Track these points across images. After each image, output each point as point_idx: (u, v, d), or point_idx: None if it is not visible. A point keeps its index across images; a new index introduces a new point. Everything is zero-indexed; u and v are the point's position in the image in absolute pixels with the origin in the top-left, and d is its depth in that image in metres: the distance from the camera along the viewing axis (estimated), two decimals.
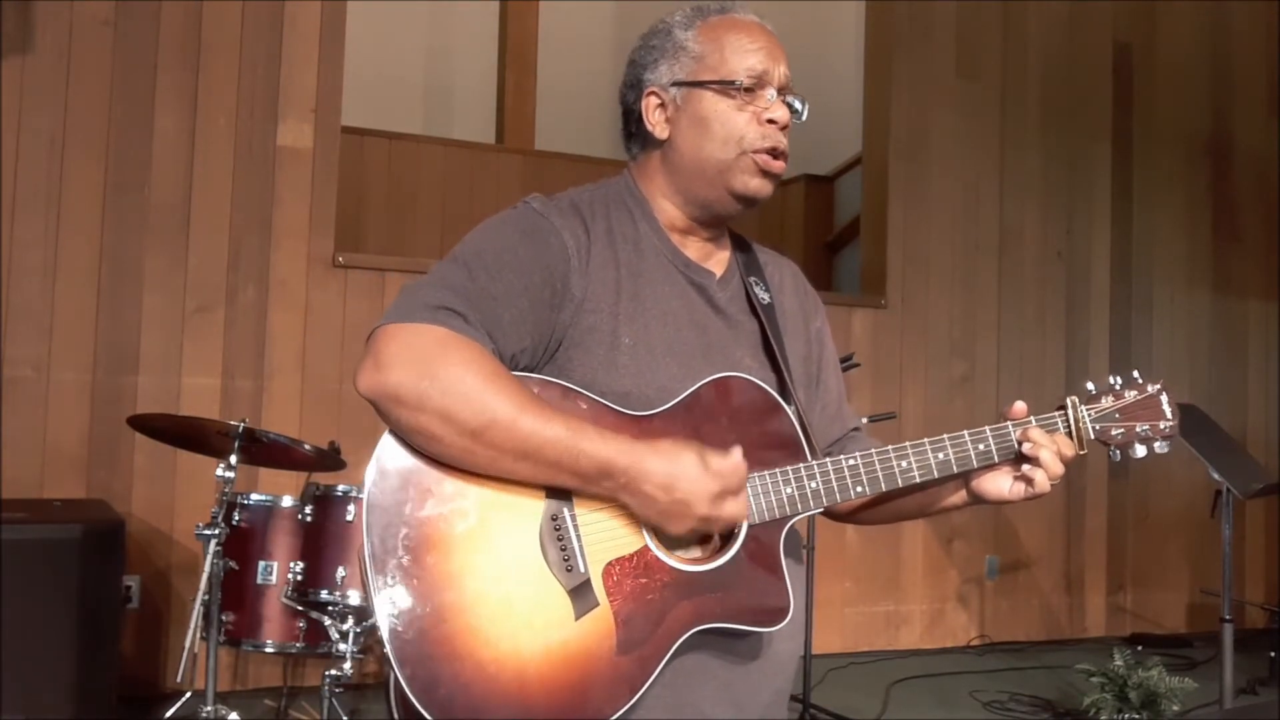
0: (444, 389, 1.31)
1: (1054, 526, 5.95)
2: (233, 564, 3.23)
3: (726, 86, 1.50)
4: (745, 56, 1.51)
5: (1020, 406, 1.53)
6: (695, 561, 1.41)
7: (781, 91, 1.53)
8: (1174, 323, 6.40)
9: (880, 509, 1.65)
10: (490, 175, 6.60)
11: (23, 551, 3.10)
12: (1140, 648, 4.85)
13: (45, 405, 4.07)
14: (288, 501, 3.37)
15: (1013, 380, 5.80)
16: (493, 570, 1.34)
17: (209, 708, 3.14)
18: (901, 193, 5.73)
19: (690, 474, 1.34)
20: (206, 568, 3.09)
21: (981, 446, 1.50)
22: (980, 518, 5.74)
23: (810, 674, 4.10)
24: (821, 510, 1.52)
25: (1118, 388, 1.56)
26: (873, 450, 1.49)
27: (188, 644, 2.97)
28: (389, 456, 1.36)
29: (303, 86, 4.49)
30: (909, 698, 4.69)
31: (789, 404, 1.51)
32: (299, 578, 3.26)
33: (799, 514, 1.46)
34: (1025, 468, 1.49)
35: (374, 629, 3.20)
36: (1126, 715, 3.93)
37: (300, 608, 3.26)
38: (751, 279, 1.62)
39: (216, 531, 3.10)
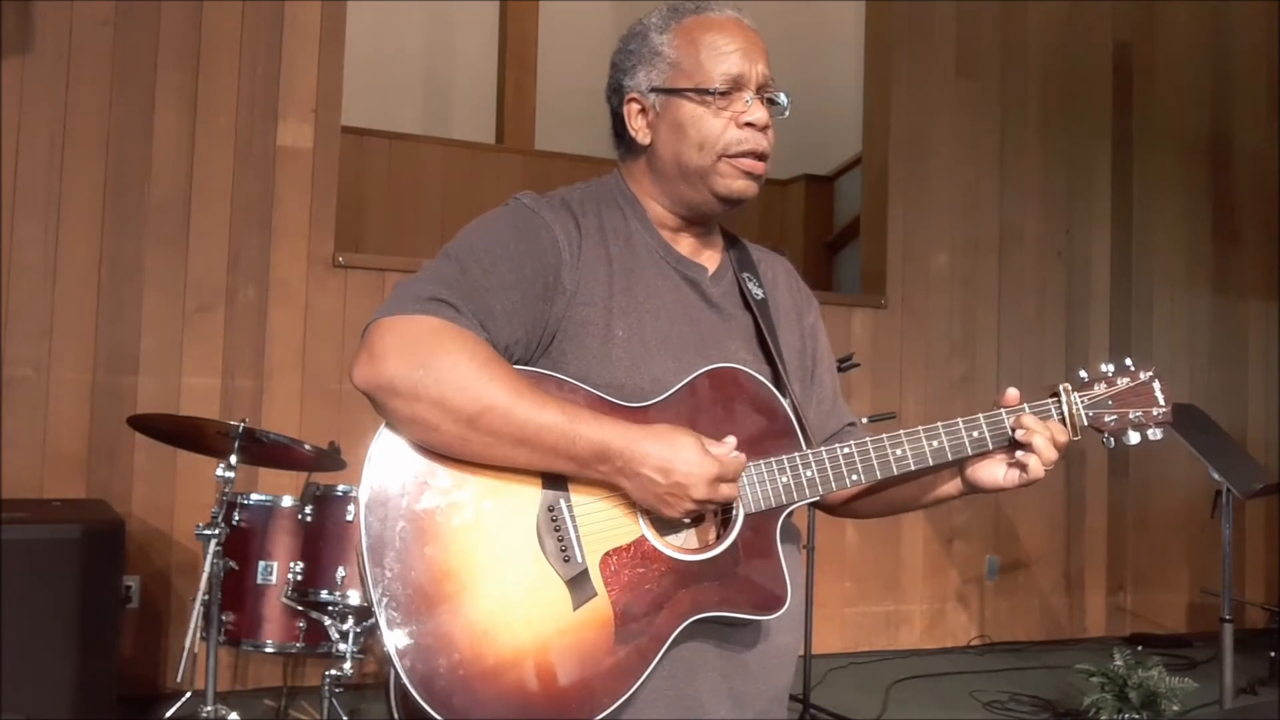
0: (438, 377, 1.32)
1: (1054, 526, 5.95)
2: (233, 564, 3.23)
3: (702, 94, 1.50)
4: (720, 60, 1.50)
5: (1013, 393, 1.53)
6: (692, 551, 1.41)
7: (761, 90, 1.52)
8: (1174, 322, 6.40)
9: (875, 499, 1.65)
10: (490, 175, 6.59)
11: (23, 551, 3.10)
12: (1140, 648, 4.85)
13: (45, 405, 4.07)
14: (288, 501, 3.37)
15: (1013, 380, 5.73)
16: (490, 562, 1.35)
17: (209, 708, 3.13)
18: (901, 193, 5.73)
19: (688, 457, 1.35)
20: (206, 568, 3.08)
21: (975, 434, 1.51)
22: (980, 518, 5.74)
23: (810, 674, 4.10)
24: (817, 499, 1.52)
25: (1110, 375, 1.56)
26: (868, 439, 1.50)
27: (188, 644, 2.97)
28: (385, 451, 1.36)
29: (303, 86, 4.50)
30: (909, 698, 4.69)
31: (784, 395, 1.52)
32: (299, 578, 3.25)
33: (795, 503, 1.47)
34: (1019, 454, 1.49)
35: (374, 629, 3.23)
36: (1126, 715, 3.93)
37: (300, 608, 3.26)
38: (744, 274, 1.63)
39: (216, 531, 3.10)
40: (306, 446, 3.23)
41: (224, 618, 3.23)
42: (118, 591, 3.38)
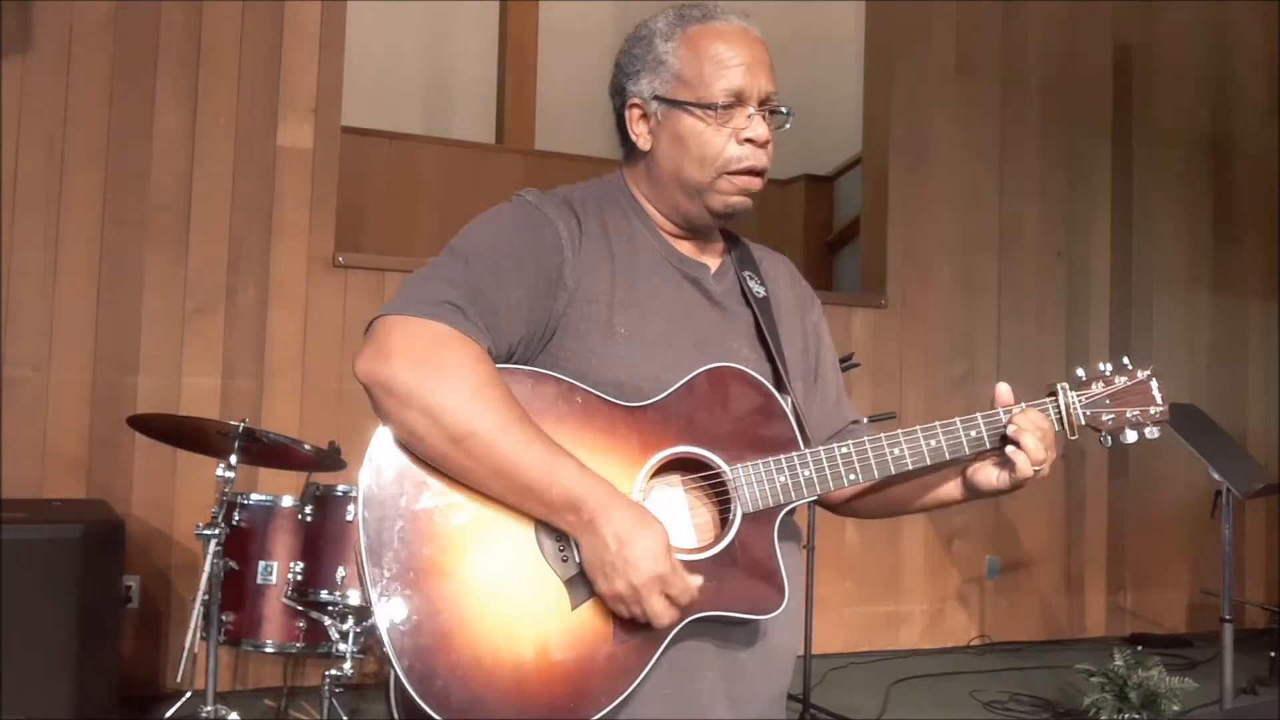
0: (433, 389, 1.32)
1: (1054, 526, 5.95)
2: (233, 564, 3.23)
3: (705, 110, 1.50)
4: (723, 74, 1.50)
5: (1003, 389, 1.53)
6: (690, 550, 1.41)
7: (763, 105, 1.52)
8: (1174, 322, 6.40)
9: (876, 499, 1.65)
10: (490, 175, 6.59)
11: (23, 551, 3.10)
12: (1140, 648, 4.84)
13: (45, 405, 4.07)
14: (288, 501, 3.37)
15: (1013, 380, 5.71)
16: (488, 562, 1.35)
17: (209, 708, 3.14)
18: (901, 193, 5.73)
19: (649, 543, 1.33)
20: (206, 568, 3.08)
21: (973, 433, 1.51)
22: (980, 518, 5.74)
23: (810, 674, 4.10)
24: (815, 499, 1.52)
25: (1108, 374, 1.57)
26: (866, 439, 1.50)
27: (188, 644, 2.97)
28: (384, 451, 1.37)
29: (303, 86, 4.50)
30: (909, 698, 4.69)
31: (784, 394, 1.52)
32: (299, 578, 3.25)
33: (793, 502, 1.47)
34: (1009, 450, 1.49)
35: (373, 628, 3.22)
36: (1126, 715, 3.93)
37: (300, 608, 3.26)
38: (746, 273, 1.63)
39: (216, 531, 3.10)
40: (306, 446, 3.23)
41: (224, 618, 3.24)
42: (118, 591, 3.38)
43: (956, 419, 1.51)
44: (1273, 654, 4.94)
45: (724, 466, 1.44)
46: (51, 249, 4.12)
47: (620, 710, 1.36)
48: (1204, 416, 4.24)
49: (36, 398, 4.06)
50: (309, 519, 3.30)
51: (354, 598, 3.20)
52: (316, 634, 3.29)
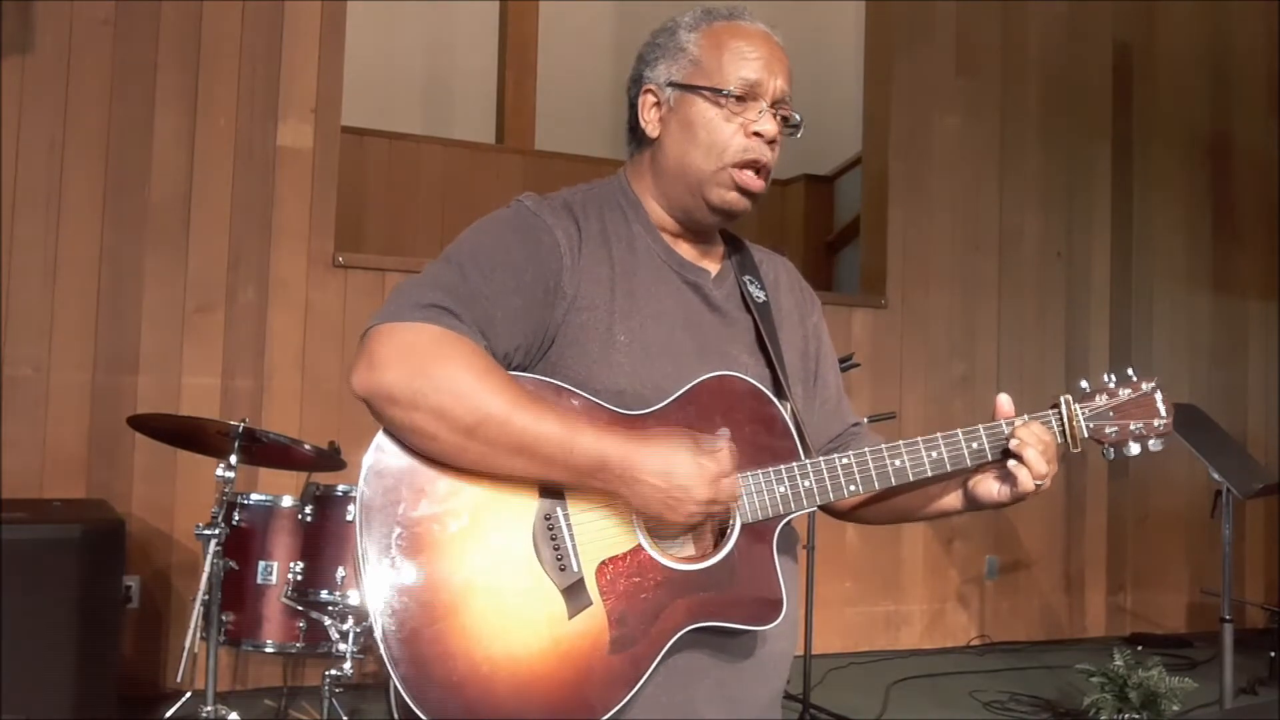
0: (437, 386, 1.32)
1: (1054, 526, 5.95)
2: (233, 564, 3.23)
3: (716, 94, 1.50)
4: (741, 65, 1.51)
5: (1004, 400, 1.53)
6: (688, 560, 1.41)
7: (776, 105, 1.52)
8: (1174, 323, 6.40)
9: (880, 508, 1.65)
10: (490, 175, 6.59)
11: (23, 551, 3.10)
12: (1140, 648, 4.84)
13: (45, 405, 4.07)
14: (288, 501, 3.37)
15: (1013, 380, 5.80)
16: (486, 570, 1.35)
17: (209, 708, 3.14)
18: (901, 193, 5.73)
19: (684, 459, 1.35)
20: (206, 568, 3.08)
21: (975, 445, 1.51)
22: (980, 517, 5.74)
23: (810, 674, 4.10)
24: (815, 509, 1.52)
25: (1112, 386, 1.56)
26: (866, 449, 1.49)
27: (188, 644, 2.97)
28: (383, 457, 1.36)
29: (303, 86, 4.49)
30: (909, 698, 4.69)
31: (784, 402, 1.52)
32: (299, 578, 3.25)
33: (792, 513, 1.46)
34: (1010, 463, 1.49)
35: (373, 630, 3.22)
36: (1126, 715, 3.93)
37: (300, 608, 3.26)
38: (746, 277, 1.62)
39: (216, 531, 3.10)
40: (306, 446, 3.23)
41: (224, 618, 3.24)
42: (118, 591, 3.38)
43: (958, 430, 1.51)
44: (1273, 654, 4.94)
45: None
46: (51, 249, 4.12)
47: (617, 718, 1.36)
48: (1204, 416, 4.25)
49: (36, 398, 4.06)
50: (309, 519, 3.30)
51: (354, 598, 3.20)
52: (316, 634, 3.28)
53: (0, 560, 3.04)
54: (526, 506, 1.37)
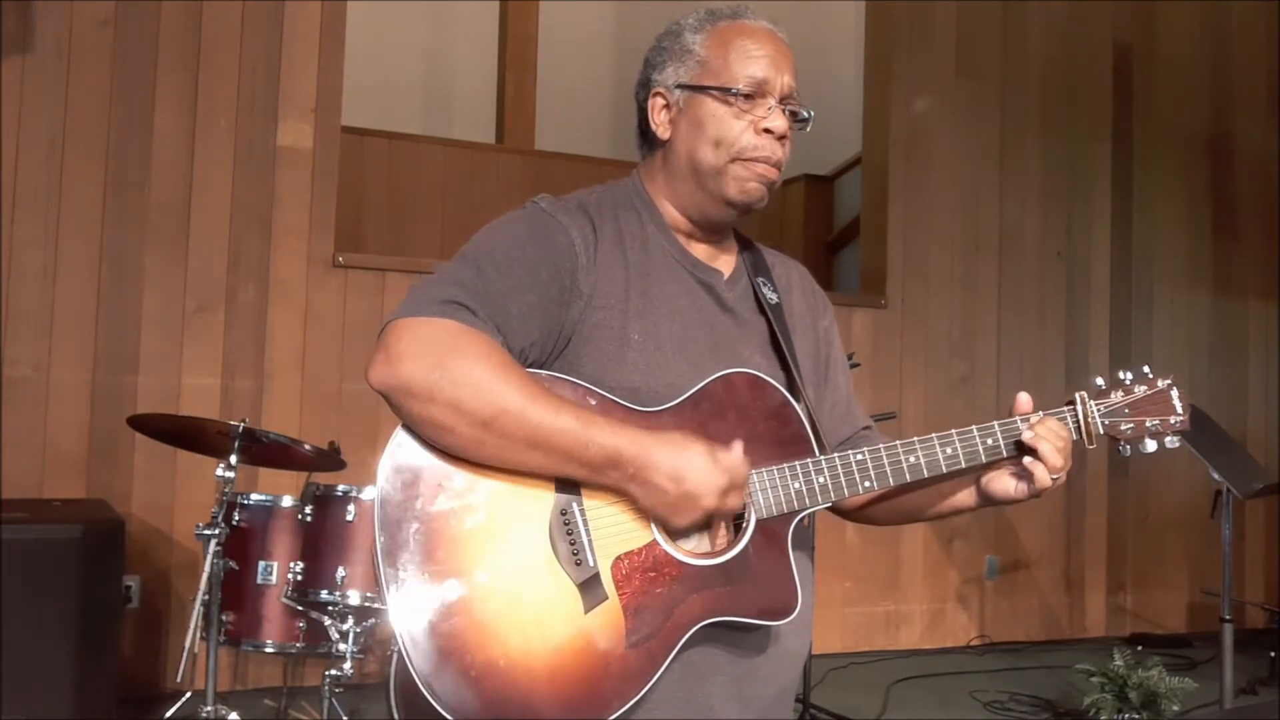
0: (454, 380, 1.32)
1: (1054, 526, 5.95)
2: (233, 564, 3.23)
3: (725, 93, 1.51)
4: (748, 64, 1.52)
5: (1024, 398, 1.53)
6: (703, 556, 1.42)
7: (785, 101, 1.53)
8: (1174, 322, 6.40)
9: (889, 507, 1.65)
10: (490, 175, 6.59)
11: (23, 551, 3.10)
12: (1140, 648, 4.84)
13: (45, 405, 4.07)
14: (288, 501, 3.37)
15: (1013, 380, 5.79)
16: (502, 564, 1.35)
17: (209, 708, 3.14)
18: (901, 193, 5.73)
19: (698, 465, 1.35)
20: (206, 568, 3.08)
21: (990, 441, 1.51)
22: (980, 517, 5.74)
23: (810, 674, 4.10)
24: (829, 506, 1.52)
25: (1127, 382, 1.57)
26: (881, 446, 1.50)
27: (188, 644, 2.97)
28: (401, 452, 1.37)
29: (303, 86, 4.49)
30: (909, 698, 4.69)
31: (797, 400, 1.52)
32: (299, 578, 3.25)
33: (806, 509, 1.47)
34: (1026, 460, 1.49)
35: (374, 629, 3.22)
36: (1126, 715, 3.93)
37: (300, 608, 3.26)
38: (759, 279, 1.63)
39: (216, 531, 3.10)
40: (306, 446, 3.23)
41: (224, 618, 3.23)
42: (118, 591, 3.38)
43: (973, 427, 1.51)
44: (1273, 654, 4.95)
45: None
46: (51, 249, 4.12)
47: (632, 713, 1.36)
48: (1204, 416, 4.24)
49: (36, 398, 4.05)
50: (309, 519, 3.30)
51: (354, 598, 3.20)
52: (316, 634, 3.28)
53: (0, 560, 3.04)
54: (543, 501, 1.38)
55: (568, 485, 1.39)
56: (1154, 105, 6.43)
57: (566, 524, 1.38)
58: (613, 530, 1.39)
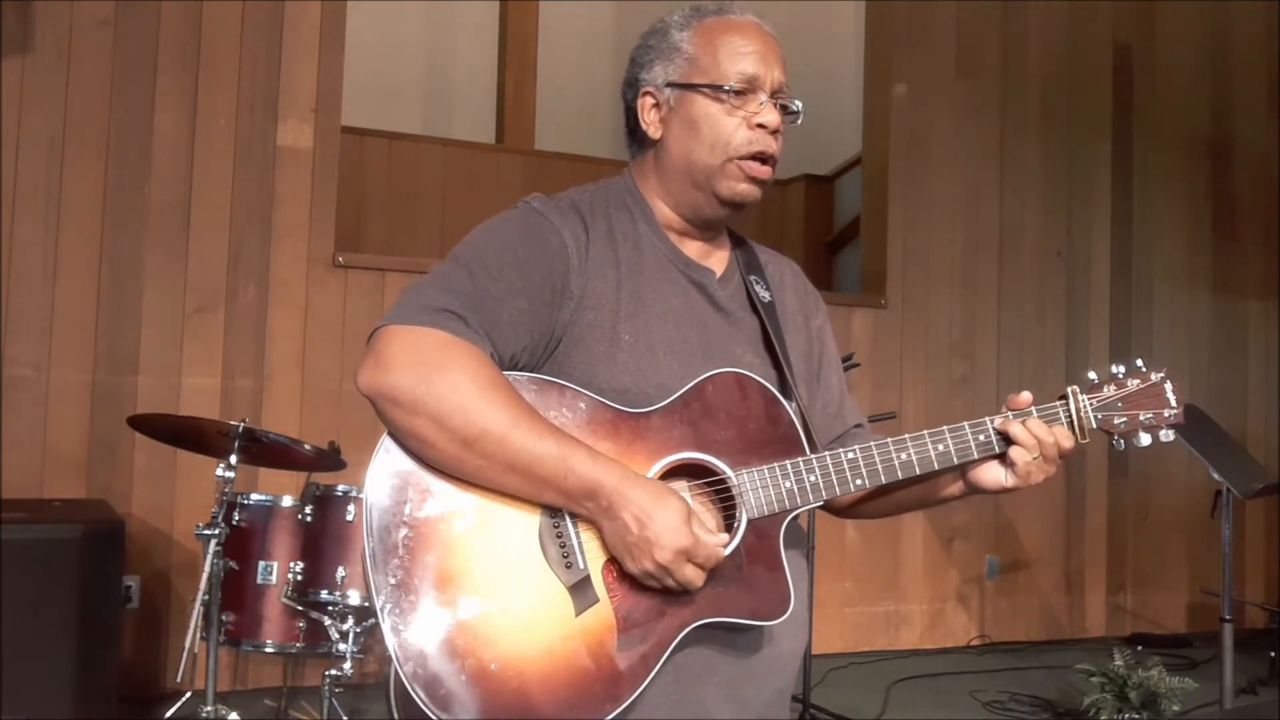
0: (439, 395, 1.32)
1: (1054, 526, 5.95)
2: (233, 564, 3.23)
3: (716, 90, 1.51)
4: (737, 60, 1.51)
5: (1026, 396, 1.52)
6: None
7: (775, 95, 1.53)
8: (1174, 322, 6.40)
9: (879, 501, 1.65)
10: (490, 175, 6.59)
11: (23, 551, 3.10)
12: (1140, 648, 4.84)
13: (45, 405, 4.07)
14: (288, 501, 3.37)
15: (1013, 380, 5.79)
16: (493, 568, 1.35)
17: (209, 708, 3.14)
18: (901, 193, 5.73)
19: (668, 519, 1.33)
20: (206, 568, 3.08)
21: (982, 438, 1.50)
22: (980, 518, 5.74)
23: (810, 674, 4.10)
24: (821, 504, 1.51)
25: (1120, 376, 1.56)
26: (872, 443, 1.49)
27: (188, 644, 2.97)
28: (390, 457, 1.37)
29: (303, 86, 4.49)
30: (909, 698, 4.69)
31: (789, 400, 1.51)
32: (299, 578, 3.25)
33: (798, 508, 1.46)
34: (1011, 451, 1.48)
35: (374, 629, 3.22)
36: (1126, 715, 3.92)
37: (300, 608, 3.26)
38: (752, 277, 1.63)
39: (216, 531, 3.10)
40: (306, 446, 3.23)
41: (224, 618, 3.24)
42: (118, 591, 3.37)
43: (965, 424, 1.50)
44: (1273, 654, 4.95)
45: (729, 472, 1.44)
46: (51, 249, 4.12)
47: (625, 715, 1.35)
48: (1204, 416, 4.24)
49: (36, 398, 4.06)
50: (309, 519, 3.30)
51: (354, 598, 3.20)
52: (316, 634, 3.29)
53: (0, 560, 3.04)
54: (532, 505, 1.38)
55: None
56: (1154, 105, 6.42)
57: (556, 527, 1.37)
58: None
